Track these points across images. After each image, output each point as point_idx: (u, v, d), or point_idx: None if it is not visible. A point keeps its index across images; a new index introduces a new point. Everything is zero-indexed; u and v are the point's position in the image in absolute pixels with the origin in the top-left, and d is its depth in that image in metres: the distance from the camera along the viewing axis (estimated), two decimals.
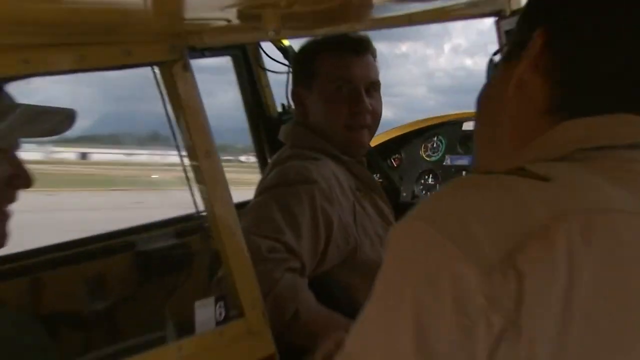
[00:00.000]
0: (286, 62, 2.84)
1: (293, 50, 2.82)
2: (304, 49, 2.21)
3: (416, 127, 3.16)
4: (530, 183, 0.78)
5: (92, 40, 1.18)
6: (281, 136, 2.28)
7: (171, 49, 1.30)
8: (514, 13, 2.00)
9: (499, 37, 2.06)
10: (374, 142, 3.11)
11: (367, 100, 2.11)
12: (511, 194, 0.78)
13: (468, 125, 3.03)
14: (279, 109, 2.94)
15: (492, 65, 1.01)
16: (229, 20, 1.29)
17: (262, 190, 2.01)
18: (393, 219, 2.21)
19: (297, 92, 2.22)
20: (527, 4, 0.96)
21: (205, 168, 1.36)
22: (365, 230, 2.04)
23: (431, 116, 3.18)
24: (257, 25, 1.22)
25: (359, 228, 2.03)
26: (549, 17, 0.91)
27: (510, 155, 0.91)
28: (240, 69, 2.85)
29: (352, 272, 2.03)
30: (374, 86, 2.16)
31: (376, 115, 2.17)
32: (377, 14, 1.57)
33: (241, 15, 1.23)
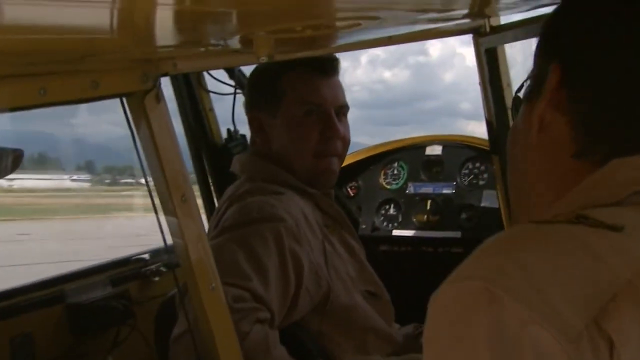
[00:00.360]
0: (232, 82, 2.80)
1: (240, 70, 2.78)
2: (264, 68, 2.12)
3: (374, 152, 3.17)
4: (600, 234, 0.76)
5: (56, 70, 1.11)
6: (235, 168, 2.22)
7: (143, 78, 1.24)
8: (493, 30, 2.04)
9: (477, 55, 2.09)
10: None
11: (338, 124, 2.09)
12: (583, 248, 0.75)
13: (432, 150, 3.06)
14: (224, 135, 2.89)
15: (517, 103, 1.00)
16: (208, 45, 1.25)
17: (222, 230, 1.94)
18: (364, 257, 2.19)
19: (257, 117, 2.14)
20: (541, 35, 0.97)
21: (182, 215, 1.30)
22: (337, 271, 2.01)
23: (391, 140, 3.20)
24: (247, 51, 1.18)
25: (331, 270, 1.99)
26: (562, 49, 0.92)
27: (550, 202, 0.90)
28: (180, 90, 2.79)
29: (324, 319, 1.98)
30: (343, 110, 2.14)
31: (346, 142, 2.16)
32: (361, 37, 1.56)
33: (227, 41, 1.19)
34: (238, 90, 2.81)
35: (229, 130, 2.86)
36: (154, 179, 1.31)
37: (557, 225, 0.79)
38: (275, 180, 2.08)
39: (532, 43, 2.22)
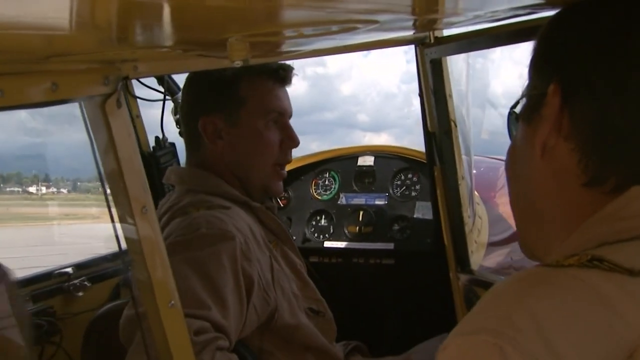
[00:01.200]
0: (161, 89, 2.71)
1: (170, 77, 2.70)
2: (220, 71, 2.04)
3: (305, 162, 3.15)
4: (616, 281, 0.72)
5: (12, 71, 1.02)
6: (169, 179, 2.13)
7: (104, 81, 1.16)
8: (437, 41, 2.06)
9: (421, 65, 2.11)
10: None
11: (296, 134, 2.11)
12: (597, 299, 0.70)
13: (364, 160, 3.06)
14: (152, 143, 2.79)
15: (512, 118, 0.97)
16: (174, 48, 1.18)
17: (172, 247, 1.83)
18: (306, 272, 2.16)
19: (213, 123, 2.04)
20: (536, 49, 0.93)
21: (142, 227, 1.23)
22: (283, 289, 1.96)
23: (322, 150, 3.18)
24: (219, 55, 1.12)
25: (277, 287, 1.94)
26: (560, 66, 0.87)
27: (562, 234, 0.85)
28: None
29: (266, 336, 1.94)
30: (290, 115, 2.15)
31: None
32: (321, 45, 1.54)
33: (197, 43, 1.13)
34: (167, 97, 2.72)
35: (157, 138, 2.77)
36: (113, 189, 1.23)
37: (570, 269, 0.75)
38: (218, 193, 2.02)
39: (470, 55, 2.25)
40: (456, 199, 2.21)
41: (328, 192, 3.08)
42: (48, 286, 2.37)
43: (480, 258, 2.35)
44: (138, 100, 2.76)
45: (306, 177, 3.13)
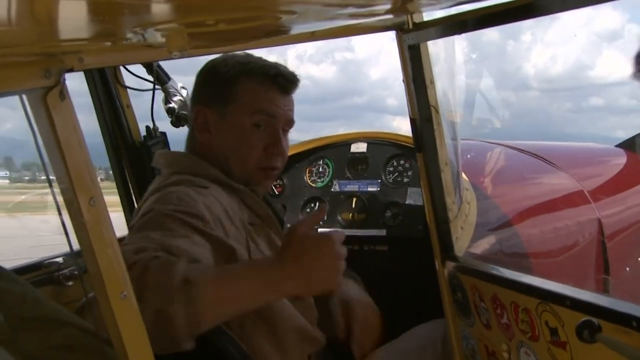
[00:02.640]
0: (150, 78, 2.71)
1: (159, 66, 2.70)
2: (223, 65, 2.11)
3: (299, 150, 3.14)
4: None
5: None
6: (157, 163, 2.16)
7: (45, 74, 1.15)
8: (416, 26, 2.02)
9: (401, 51, 2.07)
10: None
11: (284, 142, 2.13)
12: None
13: (357, 147, 3.05)
14: (143, 133, 2.80)
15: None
16: (117, 39, 1.17)
17: (139, 217, 1.85)
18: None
19: (204, 112, 2.11)
20: None
21: (90, 219, 1.22)
22: None
23: (315, 137, 3.17)
24: (157, 45, 1.11)
25: None
26: None
27: None
28: (95, 86, 2.68)
29: (245, 317, 1.94)
30: (288, 127, 2.18)
31: (285, 158, 2.19)
32: (283, 32, 1.51)
33: (137, 33, 1.12)
34: (157, 86, 2.73)
35: (147, 127, 2.77)
36: (59, 181, 1.23)
37: None
38: (201, 174, 2.05)
39: (456, 40, 2.22)
40: (438, 186, 2.17)
41: (322, 179, 3.07)
42: (37, 276, 2.38)
43: (465, 244, 2.32)
44: (128, 89, 2.77)
45: (300, 165, 3.12)
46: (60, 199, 1.26)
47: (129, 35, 1.14)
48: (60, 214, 1.24)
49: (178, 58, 1.11)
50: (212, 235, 1.78)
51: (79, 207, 1.21)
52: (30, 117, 1.19)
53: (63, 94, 1.18)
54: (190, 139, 2.18)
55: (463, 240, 2.32)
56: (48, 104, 1.16)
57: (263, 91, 2.08)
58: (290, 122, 2.17)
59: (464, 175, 2.53)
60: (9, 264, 2.40)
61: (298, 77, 2.15)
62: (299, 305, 2.05)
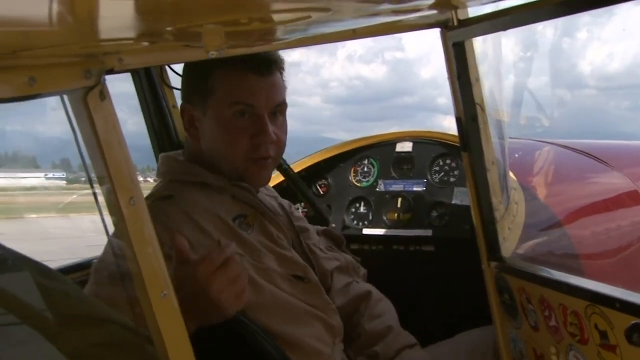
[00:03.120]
0: None
1: None
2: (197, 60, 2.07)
3: (344, 149, 3.13)
4: None
5: None
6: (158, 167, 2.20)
7: (85, 74, 1.16)
8: (461, 23, 1.99)
9: (445, 49, 2.04)
10: (297, 167, 3.06)
11: (270, 129, 2.04)
12: None
13: (402, 146, 3.02)
14: None
15: None
16: (156, 39, 1.18)
17: None
18: (289, 242, 2.15)
19: (188, 110, 2.10)
20: None
21: (130, 218, 1.23)
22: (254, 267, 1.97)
23: (361, 136, 3.15)
24: (194, 44, 1.11)
25: None
26: None
27: None
28: (141, 86, 2.71)
29: (258, 313, 1.93)
30: (279, 108, 2.09)
31: (280, 145, 2.11)
32: (321, 30, 1.50)
33: (174, 33, 1.12)
34: None
35: None
36: (100, 181, 1.24)
37: None
38: (189, 180, 2.06)
39: (502, 37, 2.18)
40: (484, 186, 2.13)
41: (367, 179, 3.05)
42: (83, 275, 2.42)
43: (512, 245, 2.27)
44: (175, 90, 2.80)
45: (345, 164, 3.11)
46: (101, 198, 1.27)
47: (168, 35, 1.14)
48: (101, 213, 1.26)
49: (215, 57, 1.11)
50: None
51: (119, 206, 1.22)
52: (71, 117, 1.21)
53: (103, 94, 1.19)
54: (186, 139, 2.18)
55: (510, 241, 2.27)
56: (88, 104, 1.17)
57: (237, 79, 2.01)
58: (279, 104, 2.07)
59: (511, 174, 2.48)
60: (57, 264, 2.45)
61: (276, 54, 2.06)
62: (304, 288, 2.05)
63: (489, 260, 2.20)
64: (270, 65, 2.04)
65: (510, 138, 2.38)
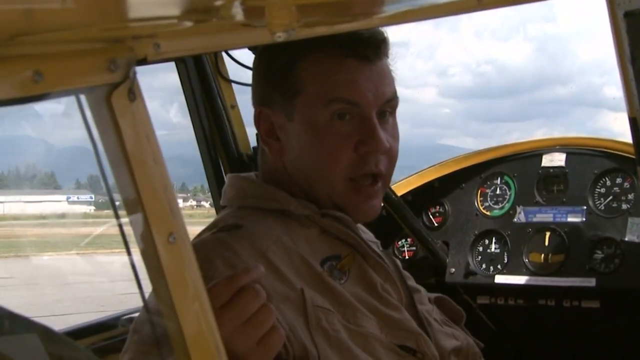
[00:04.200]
0: None
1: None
2: (274, 47, 2.03)
3: (467, 164, 3.12)
4: None
5: None
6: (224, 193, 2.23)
7: (109, 67, 1.18)
8: None
9: (612, 21, 2.00)
10: (400, 189, 3.06)
11: (382, 134, 2.02)
12: None
13: (551, 159, 2.98)
14: (253, 142, 2.87)
15: None
16: (203, 17, 1.19)
17: None
18: (394, 292, 2.12)
19: (267, 115, 2.09)
20: None
21: (169, 260, 1.24)
22: (327, 334, 1.94)
23: (493, 145, 3.13)
24: (257, 24, 1.12)
25: (316, 332, 1.93)
26: None
27: None
28: (189, 79, 2.77)
29: None
30: (389, 106, 2.08)
31: (393, 157, 2.09)
32: (435, 0, 1.49)
33: (229, 8, 1.13)
34: None
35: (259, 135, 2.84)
36: (128, 209, 1.26)
37: None
38: (265, 207, 2.09)
39: None
40: None
41: (500, 206, 3.04)
42: (114, 337, 2.48)
43: None
44: (234, 84, 2.85)
45: (469, 185, 3.10)
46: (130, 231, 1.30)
47: (220, 11, 1.15)
48: (129, 252, 1.28)
49: (283, 40, 1.10)
50: None
51: (154, 245, 1.23)
52: (90, 122, 1.23)
53: (133, 93, 1.21)
54: (261, 153, 2.18)
55: None
56: (113, 106, 1.19)
57: (334, 69, 2.00)
58: (389, 101, 2.06)
59: None
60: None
61: (382, 33, 2.04)
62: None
63: None
64: (378, 48, 2.03)
65: None
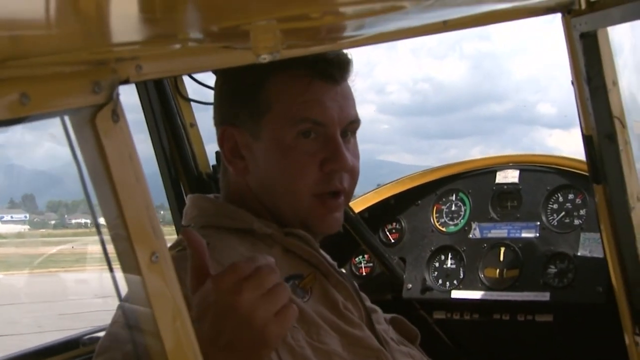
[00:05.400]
0: None
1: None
2: (239, 68, 2.05)
3: (423, 181, 3.15)
4: None
5: None
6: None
7: (93, 88, 1.20)
8: (590, 7, 2.00)
9: (569, 41, 2.05)
10: (357, 207, 3.08)
11: (346, 152, 2.06)
12: None
13: (505, 176, 3.02)
14: (213, 160, 2.87)
15: None
16: (187, 40, 1.22)
17: None
18: (355, 310, 2.15)
19: (231, 135, 2.10)
20: None
21: (151, 280, 1.26)
22: (292, 351, 1.95)
23: (442, 162, 3.16)
24: (240, 46, 1.14)
25: (282, 347, 1.94)
26: None
27: None
28: (148, 98, 2.77)
29: None
30: (352, 127, 2.12)
31: (355, 175, 2.13)
32: (404, 23, 1.53)
33: (213, 32, 1.15)
34: None
35: (218, 153, 2.84)
36: (111, 229, 1.27)
37: None
38: (226, 226, 2.09)
39: None
40: (627, 230, 2.12)
41: (455, 222, 3.06)
42: (75, 356, 2.46)
43: None
44: (193, 103, 2.86)
45: (425, 202, 3.13)
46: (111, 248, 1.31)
47: (203, 34, 1.17)
48: (111, 270, 1.29)
49: (267, 61, 1.13)
50: None
51: (137, 264, 1.25)
52: (74, 143, 1.24)
53: (117, 114, 1.22)
54: (223, 173, 2.19)
55: None
56: (97, 128, 1.20)
57: (302, 89, 2.03)
58: (352, 122, 2.10)
59: None
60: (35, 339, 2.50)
61: (348, 56, 2.07)
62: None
63: (635, 335, 2.19)
64: (344, 69, 2.07)
65: None
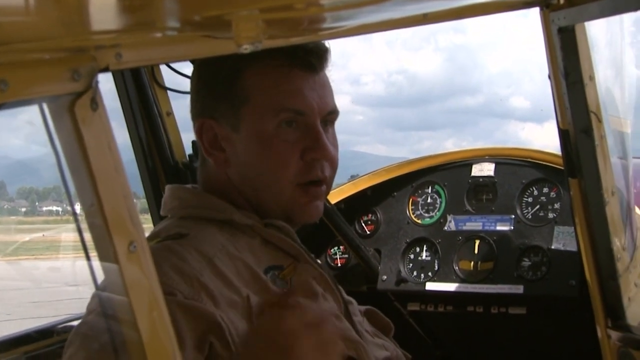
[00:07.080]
0: None
1: None
2: (217, 59, 2.04)
3: (398, 173, 3.15)
4: None
5: None
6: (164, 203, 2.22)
7: (72, 76, 1.19)
8: (569, 1, 2.00)
9: (546, 35, 2.05)
10: (334, 198, 3.07)
11: (327, 141, 2.07)
12: None
13: (480, 169, 3.03)
14: (189, 150, 2.86)
15: None
16: (167, 29, 1.21)
17: None
18: (334, 302, 2.16)
19: (210, 127, 2.10)
20: None
21: (129, 269, 1.25)
22: None
23: (418, 154, 3.17)
24: (222, 36, 1.14)
25: None
26: None
27: None
28: (125, 86, 2.76)
29: None
30: (331, 117, 2.12)
31: (334, 164, 2.14)
32: (384, 15, 1.53)
33: (194, 21, 1.15)
34: None
35: (195, 142, 2.83)
36: (89, 218, 1.26)
37: None
38: (206, 217, 2.09)
39: (621, 20, 2.19)
40: (601, 225, 2.14)
41: (431, 214, 3.07)
42: (51, 345, 2.45)
43: None
44: (169, 92, 2.85)
45: (401, 194, 3.13)
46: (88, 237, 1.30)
47: (183, 23, 1.17)
48: (88, 258, 1.28)
49: (249, 52, 1.12)
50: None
51: (115, 253, 1.24)
52: (52, 131, 1.23)
53: (96, 102, 1.22)
54: (201, 163, 2.19)
55: (638, 302, 2.27)
56: (76, 115, 1.20)
57: (282, 79, 2.03)
58: (331, 113, 2.11)
59: (638, 209, 2.47)
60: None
61: (325, 44, 2.07)
62: None
63: (607, 328, 2.20)
64: (322, 58, 2.06)
65: (636, 158, 2.39)
